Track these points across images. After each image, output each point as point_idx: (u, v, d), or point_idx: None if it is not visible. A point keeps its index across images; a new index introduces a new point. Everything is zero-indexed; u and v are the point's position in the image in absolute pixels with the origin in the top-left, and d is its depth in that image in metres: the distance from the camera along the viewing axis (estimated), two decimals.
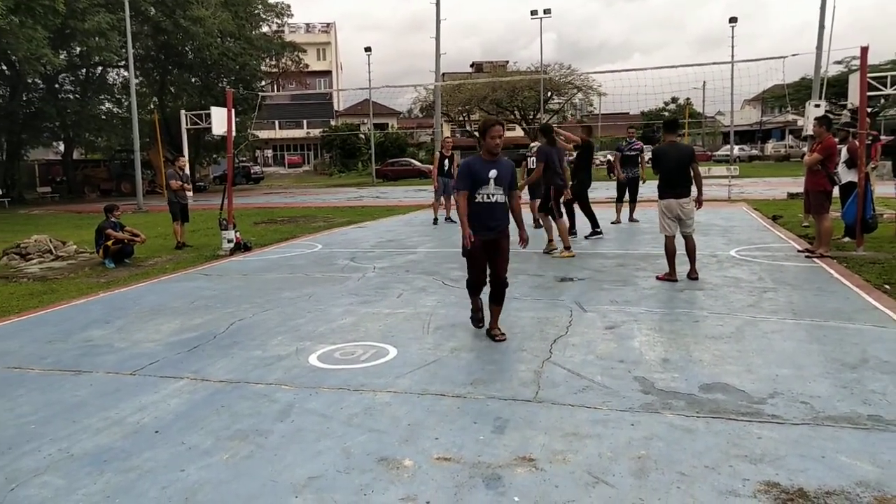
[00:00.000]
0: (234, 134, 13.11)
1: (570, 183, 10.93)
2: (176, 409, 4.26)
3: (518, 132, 53.85)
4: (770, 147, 56.52)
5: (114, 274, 9.97)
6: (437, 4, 33.09)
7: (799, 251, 9.40)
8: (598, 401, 4.11)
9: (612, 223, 13.51)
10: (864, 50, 9.56)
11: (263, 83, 44.87)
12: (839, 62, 41.07)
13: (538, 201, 10.66)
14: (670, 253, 7.72)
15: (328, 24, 70.00)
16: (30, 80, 32.28)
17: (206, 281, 9.00)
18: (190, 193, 14.44)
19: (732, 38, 32.88)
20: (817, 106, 17.05)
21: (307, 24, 68.07)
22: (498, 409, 4.04)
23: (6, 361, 5.47)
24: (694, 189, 7.67)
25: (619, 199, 13.86)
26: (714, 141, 63.09)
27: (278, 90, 51.07)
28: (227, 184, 12.37)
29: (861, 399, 3.98)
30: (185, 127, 24.91)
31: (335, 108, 68.07)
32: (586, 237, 11.48)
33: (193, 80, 39.12)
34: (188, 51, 36.80)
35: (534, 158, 11.38)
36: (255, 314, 6.82)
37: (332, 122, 63.75)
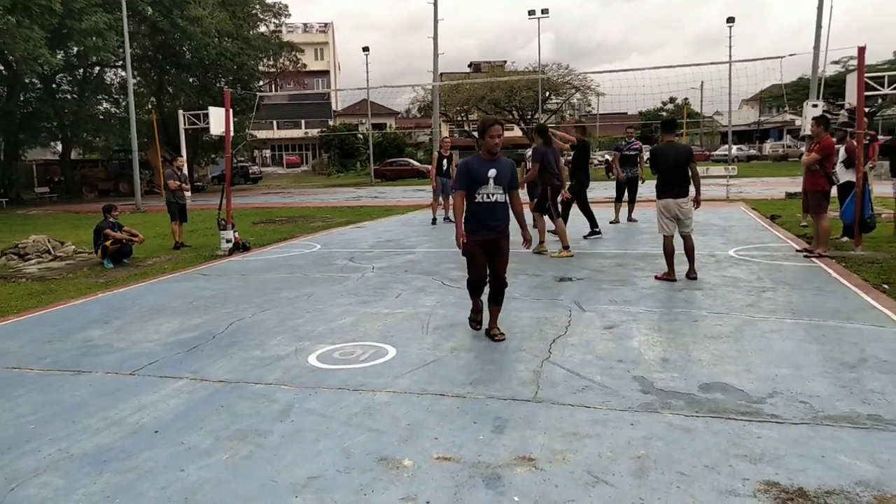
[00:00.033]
0: (232, 134, 13.10)
1: (568, 183, 10.93)
2: (175, 409, 4.26)
3: (516, 132, 53.86)
4: (768, 147, 56.57)
5: (112, 274, 9.96)
6: (435, 4, 33.11)
7: (797, 251, 9.42)
8: (598, 400, 4.11)
9: (611, 223, 13.52)
10: (862, 50, 9.57)
11: (261, 83, 44.82)
12: (836, 62, 41.11)
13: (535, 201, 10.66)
14: (669, 253, 7.73)
15: (326, 24, 69.99)
16: (27, 80, 32.22)
17: (205, 281, 8.99)
18: (188, 193, 14.43)
19: (730, 38, 33.05)
20: (815, 106, 17.05)
21: (305, 24, 68.07)
22: (497, 408, 4.04)
23: (5, 362, 5.47)
24: (692, 189, 7.68)
25: (619, 199, 13.86)
26: (712, 141, 63.14)
27: (276, 90, 51.06)
28: (226, 184, 12.37)
29: (860, 398, 3.99)
30: (183, 127, 24.89)
31: (333, 108, 68.05)
32: (585, 237, 11.49)
33: (191, 79, 39.07)
34: (186, 51, 36.75)
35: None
36: (254, 314, 6.82)
37: (331, 122, 63.74)
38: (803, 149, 14.10)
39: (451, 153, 15.06)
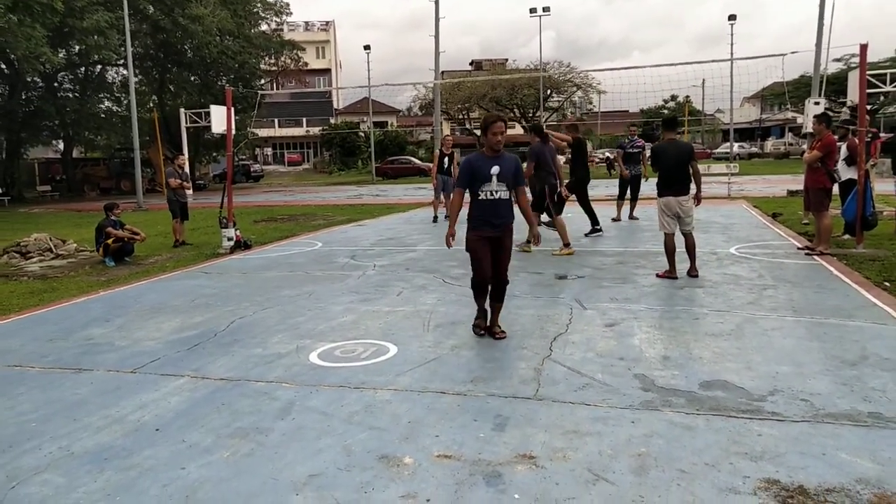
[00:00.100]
0: (233, 132, 13.10)
1: (566, 181, 10.93)
2: (176, 407, 4.26)
3: (518, 130, 53.85)
4: (770, 144, 56.50)
5: (114, 272, 9.97)
6: (436, 2, 33.08)
7: (799, 248, 9.41)
8: (599, 398, 4.11)
9: (613, 220, 13.52)
10: (864, 47, 9.55)
11: (263, 81, 44.79)
12: (838, 60, 41.07)
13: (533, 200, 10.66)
14: (670, 250, 7.72)
15: (327, 23, 69.96)
16: (29, 79, 32.27)
17: (207, 279, 9.00)
18: (189, 192, 14.44)
19: (732, 35, 33.02)
20: (817, 103, 17.05)
21: (306, 23, 68.08)
22: (498, 406, 4.04)
23: (7, 360, 5.48)
24: (693, 187, 7.67)
25: (621, 197, 13.87)
26: (714, 138, 63.08)
27: (278, 88, 51.07)
28: (227, 182, 12.37)
29: (861, 396, 3.99)
30: (184, 125, 24.89)
31: (335, 106, 68.01)
32: (586, 235, 11.48)
33: (193, 78, 39.08)
34: (187, 49, 36.75)
35: None
36: (256, 312, 6.83)
37: (332, 121, 63.72)
38: (805, 146, 14.09)
39: (453, 151, 15.05)
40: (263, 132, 58.13)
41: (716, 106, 60.43)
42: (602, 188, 23.17)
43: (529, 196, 7.04)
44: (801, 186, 11.66)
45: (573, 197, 11.64)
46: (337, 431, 3.78)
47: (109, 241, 10.71)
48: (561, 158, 12.60)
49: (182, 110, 25.41)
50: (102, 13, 28.05)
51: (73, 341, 5.98)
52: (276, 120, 63.74)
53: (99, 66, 36.85)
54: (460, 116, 59.18)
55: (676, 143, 7.83)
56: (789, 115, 57.47)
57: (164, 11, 32.96)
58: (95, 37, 28.76)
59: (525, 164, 11.08)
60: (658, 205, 7.81)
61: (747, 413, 3.80)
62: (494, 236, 5.35)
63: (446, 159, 14.70)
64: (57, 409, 4.32)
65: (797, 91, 38.68)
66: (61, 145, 42.17)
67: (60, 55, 29.64)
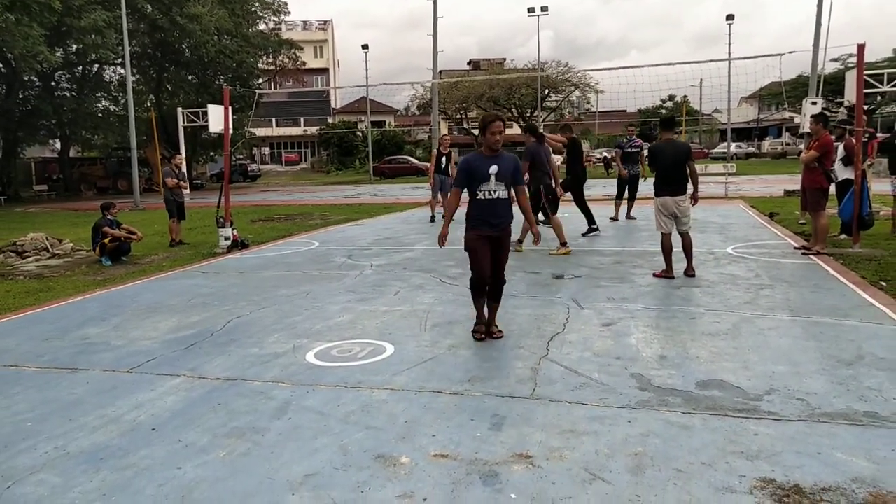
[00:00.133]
0: (231, 132, 13.09)
1: (561, 180, 10.94)
2: (172, 406, 4.25)
3: (515, 129, 53.85)
4: (767, 144, 56.58)
5: (110, 272, 9.96)
6: (434, 2, 33.08)
7: (795, 248, 9.42)
8: (595, 398, 4.11)
9: (611, 219, 13.54)
10: (861, 47, 9.56)
11: (260, 81, 44.75)
12: (836, 60, 41.09)
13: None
14: (667, 250, 7.73)
15: (325, 22, 69.94)
16: (26, 78, 32.20)
17: (204, 278, 8.99)
18: (186, 191, 14.42)
19: (729, 35, 33.08)
20: (814, 103, 17.09)
21: (304, 22, 68.08)
22: (495, 406, 4.04)
23: (3, 359, 5.46)
24: (690, 186, 7.68)
25: (620, 196, 13.89)
26: (711, 138, 63.15)
27: (275, 88, 51.09)
28: (224, 181, 12.36)
29: (857, 396, 4.00)
30: (181, 124, 24.89)
31: (332, 105, 68.02)
32: (583, 234, 11.49)
33: (190, 77, 39.02)
34: (185, 48, 36.70)
35: None
36: (252, 312, 6.82)
37: (330, 120, 63.72)
38: (802, 146, 14.11)
39: (450, 151, 15.05)
40: (261, 131, 58.12)
41: (713, 106, 60.55)
42: (600, 188, 23.19)
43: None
44: (798, 186, 11.68)
45: (569, 196, 11.67)
46: (333, 431, 3.77)
47: (106, 240, 10.70)
48: (558, 159, 12.62)
49: (179, 109, 25.40)
50: (100, 12, 28.00)
51: (69, 341, 5.97)
52: (273, 119, 63.76)
53: (96, 66, 36.78)
54: (458, 116, 59.19)
55: (674, 143, 7.84)
56: (786, 115, 57.54)
57: (161, 10, 32.90)
58: (93, 36, 28.70)
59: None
60: (655, 204, 7.82)
61: (744, 412, 3.81)
62: (493, 236, 5.30)
63: (444, 159, 14.69)
64: (53, 408, 4.31)
65: (794, 91, 38.70)
66: (58, 144, 42.05)
67: (58, 54, 29.56)
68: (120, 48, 28.21)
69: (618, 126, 56.61)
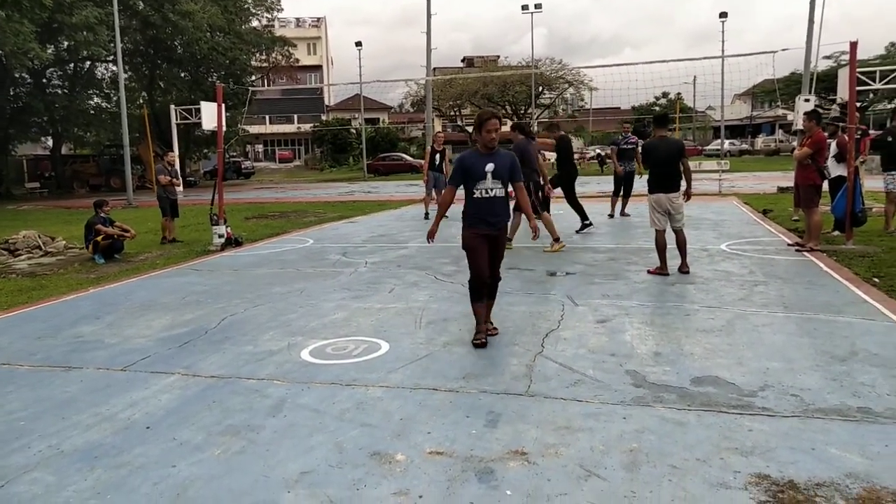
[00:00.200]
0: (224, 129, 13.04)
1: (550, 177, 10.95)
2: (167, 404, 4.24)
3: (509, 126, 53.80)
4: (760, 141, 56.71)
5: (103, 269, 9.91)
6: None
7: (789, 245, 9.45)
8: (590, 394, 4.12)
9: (609, 216, 13.58)
10: (854, 45, 9.60)
11: (253, 78, 44.62)
12: (828, 57, 41.25)
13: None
14: (661, 247, 7.75)
15: (318, 19, 69.80)
16: (17, 75, 32.00)
17: (197, 276, 8.96)
18: (180, 188, 14.36)
19: (723, 32, 32.97)
20: (807, 100, 17.13)
21: (297, 19, 67.89)
22: (490, 403, 4.05)
23: None
24: (684, 183, 7.70)
25: (616, 193, 13.91)
26: (704, 135, 63.27)
27: (268, 85, 50.85)
28: (218, 179, 12.31)
29: (851, 391, 4.01)
30: (174, 122, 24.77)
31: (326, 102, 67.86)
32: (577, 231, 11.50)
33: (183, 74, 38.87)
34: (177, 45, 36.55)
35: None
36: (247, 309, 6.80)
37: (323, 117, 63.56)
38: (795, 143, 14.16)
39: (444, 148, 15.04)
40: (254, 129, 57.94)
41: (707, 103, 60.60)
42: (594, 185, 23.22)
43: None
44: (791, 183, 11.74)
45: (559, 193, 11.69)
46: (329, 428, 3.77)
47: (99, 238, 10.65)
48: (552, 155, 12.62)
49: (172, 107, 25.28)
50: (91, 9, 27.85)
51: (62, 339, 5.95)
52: (267, 117, 63.54)
53: (88, 63, 36.60)
54: (452, 113, 59.12)
55: (667, 140, 7.86)
56: (780, 112, 57.72)
57: (153, 7, 32.76)
58: (84, 32, 28.56)
59: None
60: (649, 201, 7.83)
61: (738, 408, 3.82)
62: (491, 234, 5.23)
63: (438, 156, 14.68)
64: (46, 407, 4.29)
65: (787, 88, 38.87)
66: (50, 142, 41.85)
67: (49, 51, 29.45)
68: (112, 45, 28.12)
69: (612, 123, 56.67)
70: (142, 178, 36.10)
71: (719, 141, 44.52)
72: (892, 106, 40.05)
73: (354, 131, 55.89)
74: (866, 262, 7.99)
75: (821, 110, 11.07)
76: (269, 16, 43.39)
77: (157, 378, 4.75)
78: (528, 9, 42.74)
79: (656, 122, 8.16)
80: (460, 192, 5.34)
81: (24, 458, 3.55)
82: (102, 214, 10.91)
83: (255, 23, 42.23)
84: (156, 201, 13.13)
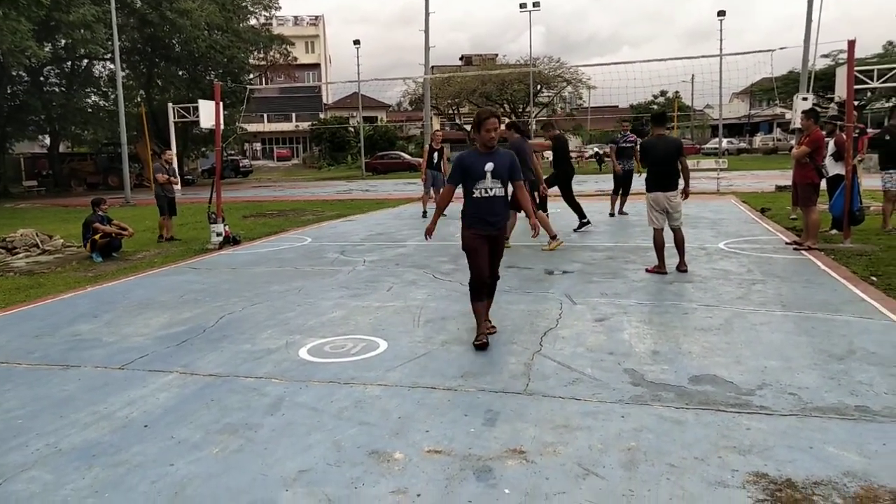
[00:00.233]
0: (222, 127, 13.02)
1: (545, 177, 10.95)
2: (165, 403, 4.24)
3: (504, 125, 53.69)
4: (758, 140, 56.76)
5: (101, 268, 9.90)
6: None
7: (787, 243, 9.46)
8: (588, 393, 4.12)
9: (610, 215, 13.57)
10: (852, 44, 9.60)
11: (251, 76, 44.57)
12: (826, 56, 41.34)
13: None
14: (659, 245, 7.75)
15: (316, 17, 69.67)
16: (14, 73, 31.91)
17: (195, 275, 8.95)
18: (178, 187, 14.35)
19: (721, 31, 33.07)
20: (805, 99, 17.14)
21: (295, 17, 67.77)
22: (488, 401, 4.05)
23: None
24: (681, 182, 7.70)
25: (616, 192, 13.90)
26: (703, 134, 63.30)
27: (267, 83, 50.78)
28: (216, 177, 12.30)
29: (848, 390, 4.02)
30: (172, 120, 24.73)
31: (324, 101, 67.79)
32: (575, 230, 11.50)
33: (181, 72, 38.81)
34: (175, 43, 36.48)
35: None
36: (245, 308, 6.80)
37: (321, 116, 63.47)
38: (793, 142, 14.19)
39: (442, 146, 15.02)
40: (252, 127, 57.92)
41: (705, 101, 60.65)
42: (592, 183, 23.23)
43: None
44: (789, 182, 11.74)
45: (556, 192, 11.69)
46: (327, 427, 3.77)
47: (97, 236, 10.63)
48: (549, 154, 12.62)
49: (170, 105, 25.24)
50: (89, 7, 27.78)
51: (60, 337, 5.94)
52: (265, 115, 63.48)
53: (85, 61, 36.51)
54: (450, 112, 59.07)
55: (665, 139, 7.86)
56: (778, 110, 57.76)
57: (151, 5, 32.70)
58: (82, 31, 28.48)
59: None
60: (647, 200, 7.84)
61: (736, 407, 3.82)
62: (491, 235, 5.18)
63: (436, 154, 14.67)
64: (44, 405, 4.28)
65: (785, 87, 38.88)
66: (47, 140, 41.74)
67: (46, 49, 29.36)
68: (109, 43, 28.03)
69: (610, 122, 56.64)
70: (139, 176, 36.05)
71: (717, 139, 44.56)
72: (890, 104, 40.07)
73: (352, 130, 55.83)
74: (864, 260, 8.00)
75: (819, 109, 11.07)
76: (267, 14, 43.37)
77: (155, 376, 4.74)
78: (526, 7, 42.72)
79: (654, 121, 8.16)
80: (460, 190, 5.32)
81: (21, 457, 3.54)
82: (100, 213, 10.90)
83: (252, 21, 42.18)
84: (154, 199, 13.10)
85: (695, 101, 60.22)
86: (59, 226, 15.64)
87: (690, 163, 8.36)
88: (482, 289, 5.22)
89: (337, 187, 31.57)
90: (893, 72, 13.63)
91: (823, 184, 9.60)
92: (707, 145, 51.97)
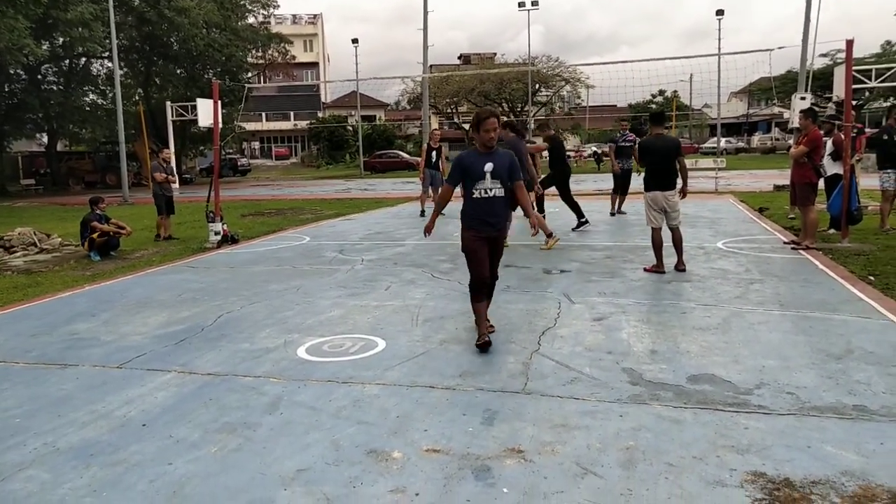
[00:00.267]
0: (220, 126, 13.01)
1: (541, 177, 10.96)
2: (163, 402, 4.23)
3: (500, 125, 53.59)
4: (756, 139, 56.79)
5: (99, 267, 9.89)
6: None
7: (785, 243, 9.47)
8: (587, 392, 4.12)
9: (611, 214, 13.58)
10: (850, 43, 9.61)
11: (250, 75, 44.57)
12: (824, 55, 41.39)
13: None
14: (657, 245, 7.75)
15: (315, 16, 69.62)
16: (12, 71, 31.85)
17: (193, 273, 8.94)
18: (176, 185, 14.34)
19: (719, 30, 33.18)
20: (803, 98, 17.15)
21: (294, 16, 67.72)
22: (487, 400, 4.05)
23: None
24: (680, 181, 7.70)
25: (616, 191, 13.90)
26: (701, 133, 63.34)
27: (265, 82, 50.77)
28: (214, 176, 12.29)
29: (846, 389, 4.02)
30: (170, 118, 24.72)
31: (322, 99, 67.75)
32: (573, 229, 11.50)
33: (179, 71, 38.78)
34: (173, 42, 36.47)
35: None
36: (243, 307, 6.79)
37: (320, 114, 63.43)
38: (791, 141, 14.20)
39: (440, 145, 15.02)
40: (251, 126, 57.87)
41: (703, 101, 60.70)
42: (590, 182, 23.23)
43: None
44: (787, 181, 11.73)
45: (554, 192, 11.70)
46: (325, 426, 3.76)
47: (94, 235, 10.62)
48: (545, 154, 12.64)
49: (168, 103, 25.23)
50: (87, 5, 27.74)
51: (57, 336, 5.93)
52: (263, 114, 63.46)
53: (83, 59, 36.48)
54: (449, 110, 59.04)
55: (663, 138, 7.86)
56: (776, 110, 57.79)
57: (149, 3, 32.66)
58: (80, 29, 28.45)
59: None
60: (645, 199, 7.84)
61: (734, 406, 3.83)
62: (491, 236, 5.15)
63: (434, 153, 14.66)
64: (42, 404, 4.28)
65: (784, 86, 38.92)
66: (45, 138, 41.65)
67: (44, 47, 29.30)
68: (107, 41, 27.98)
69: (608, 121, 56.66)
70: (138, 175, 36.01)
71: (716, 139, 44.61)
72: (888, 104, 40.14)
73: (351, 128, 55.81)
74: (862, 260, 8.01)
75: (817, 108, 11.07)
76: (266, 12, 43.35)
77: (154, 375, 4.74)
78: (524, 6, 42.67)
79: (653, 120, 8.16)
80: (460, 189, 5.31)
81: (19, 456, 3.54)
82: (98, 211, 10.89)
83: (251, 19, 42.19)
84: (152, 198, 13.09)
85: (693, 101, 60.29)
86: (57, 224, 15.62)
87: (689, 162, 8.36)
88: (482, 290, 5.20)
89: (335, 186, 31.56)
90: (891, 71, 13.66)
91: (821, 183, 9.61)
92: (705, 145, 52.01)
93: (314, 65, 67.44)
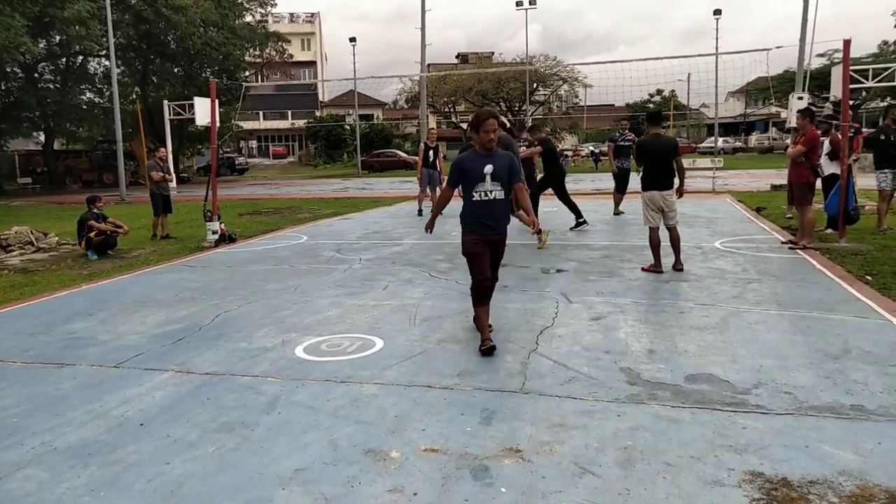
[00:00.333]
0: (217, 125, 12.99)
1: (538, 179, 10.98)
2: (161, 401, 4.23)
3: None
4: (754, 139, 56.85)
5: (96, 266, 9.87)
6: None
7: (782, 242, 9.48)
8: (585, 392, 4.13)
9: (614, 214, 13.57)
10: (847, 43, 9.62)
11: (247, 73, 44.51)
12: (822, 55, 41.47)
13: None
14: (655, 244, 7.76)
15: (313, 14, 69.56)
16: (8, 69, 31.79)
17: (191, 273, 8.93)
18: (173, 184, 14.32)
19: (717, 30, 33.23)
20: (800, 98, 17.18)
21: (291, 14, 67.67)
22: (485, 400, 4.05)
23: None
24: (677, 181, 7.71)
25: (617, 190, 13.90)
26: (698, 133, 63.40)
27: (262, 80, 50.73)
28: (212, 175, 12.27)
29: (844, 389, 4.03)
30: (167, 117, 24.70)
31: (320, 98, 67.71)
32: (571, 229, 11.51)
33: (176, 69, 38.71)
34: (170, 40, 36.41)
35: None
36: (241, 306, 6.78)
37: (317, 113, 63.39)
38: (788, 141, 14.23)
39: (437, 144, 15.02)
40: (248, 125, 57.80)
41: (701, 100, 60.62)
42: (588, 182, 23.25)
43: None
44: (784, 181, 11.77)
45: (551, 192, 11.71)
46: (323, 426, 3.76)
47: (92, 234, 10.60)
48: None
49: (165, 102, 25.20)
50: (84, 3, 27.68)
51: (55, 335, 5.92)
52: (260, 112, 63.41)
53: (80, 57, 36.41)
54: (446, 110, 58.99)
55: (660, 138, 7.86)
56: (773, 109, 57.82)
57: (146, 2, 32.60)
58: (77, 27, 28.39)
59: None
60: (642, 199, 7.85)
61: (732, 406, 3.83)
62: (492, 239, 5.10)
63: (431, 152, 14.65)
64: (39, 404, 4.27)
65: (781, 86, 38.98)
66: (42, 137, 41.57)
67: (41, 45, 29.22)
68: (104, 39, 27.91)
69: (606, 120, 56.67)
70: (135, 173, 35.95)
71: (713, 138, 44.65)
72: (885, 104, 40.20)
73: (348, 127, 55.77)
74: (859, 259, 8.03)
75: (814, 108, 11.09)
76: (263, 11, 43.30)
77: (151, 375, 4.73)
78: (522, 5, 42.67)
79: (650, 120, 8.16)
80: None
81: (17, 455, 3.53)
82: (95, 210, 10.87)
83: (248, 18, 42.10)
84: (149, 197, 13.07)
85: (690, 100, 60.30)
86: (54, 223, 15.59)
87: (686, 162, 8.36)
88: (485, 293, 5.17)
89: (333, 185, 31.54)
90: (888, 71, 13.69)
91: (819, 183, 9.62)
92: (703, 144, 52.05)
93: (312, 63, 67.39)
